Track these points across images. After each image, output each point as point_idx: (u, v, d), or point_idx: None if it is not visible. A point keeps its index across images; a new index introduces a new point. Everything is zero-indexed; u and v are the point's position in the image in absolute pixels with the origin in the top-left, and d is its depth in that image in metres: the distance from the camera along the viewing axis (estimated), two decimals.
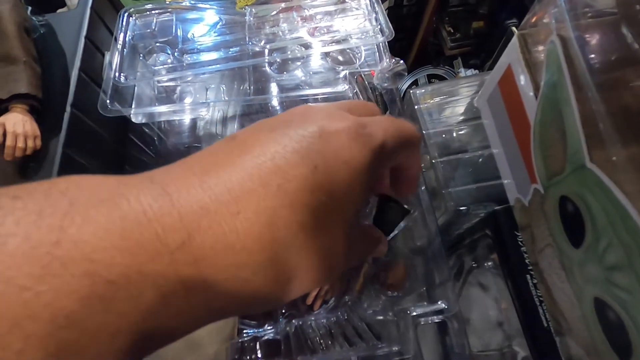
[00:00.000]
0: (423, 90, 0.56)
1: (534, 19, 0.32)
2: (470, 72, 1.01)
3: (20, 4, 0.38)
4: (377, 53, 0.49)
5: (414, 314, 0.38)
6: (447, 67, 1.06)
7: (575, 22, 0.27)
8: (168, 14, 0.52)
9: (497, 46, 0.95)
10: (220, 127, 0.52)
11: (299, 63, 0.53)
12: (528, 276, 0.34)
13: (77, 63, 0.41)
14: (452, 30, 1.01)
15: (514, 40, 0.33)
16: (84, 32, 0.43)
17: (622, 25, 0.25)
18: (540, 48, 0.30)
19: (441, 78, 1.04)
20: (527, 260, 0.35)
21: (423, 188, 0.45)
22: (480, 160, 0.50)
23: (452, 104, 0.58)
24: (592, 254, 0.25)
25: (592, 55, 0.25)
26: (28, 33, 0.38)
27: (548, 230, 0.30)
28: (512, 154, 0.35)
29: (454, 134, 0.54)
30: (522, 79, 0.32)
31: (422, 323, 0.35)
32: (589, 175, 0.24)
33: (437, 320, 0.34)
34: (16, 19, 0.37)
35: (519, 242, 0.36)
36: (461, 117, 0.56)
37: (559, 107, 0.27)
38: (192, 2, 0.53)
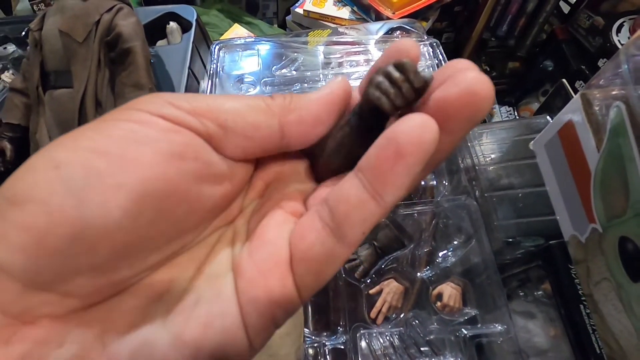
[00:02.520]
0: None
1: (594, 81, 0.37)
2: (504, 108, 1.06)
3: (146, 40, 0.45)
4: None
5: (471, 334, 0.42)
6: None
7: (638, 86, 0.32)
8: (252, 49, 0.59)
9: (531, 86, 1.00)
10: None
11: None
12: (581, 306, 0.38)
13: (182, 90, 0.47)
14: (488, 69, 1.07)
15: (577, 98, 0.38)
16: (187, 64, 0.50)
17: None
18: (603, 107, 0.35)
19: None
20: (580, 292, 0.39)
21: (478, 216, 0.49)
22: (527, 197, 0.55)
23: (490, 144, 0.63)
24: None
25: None
26: (150, 64, 0.44)
27: (606, 266, 0.35)
28: (569, 196, 0.40)
29: (500, 171, 0.59)
30: (584, 133, 0.36)
31: (484, 343, 0.39)
32: None
33: (499, 342, 0.38)
34: (144, 53, 0.43)
35: (573, 275, 0.40)
36: (505, 156, 0.61)
37: (622, 161, 0.31)
38: (273, 39, 0.60)
